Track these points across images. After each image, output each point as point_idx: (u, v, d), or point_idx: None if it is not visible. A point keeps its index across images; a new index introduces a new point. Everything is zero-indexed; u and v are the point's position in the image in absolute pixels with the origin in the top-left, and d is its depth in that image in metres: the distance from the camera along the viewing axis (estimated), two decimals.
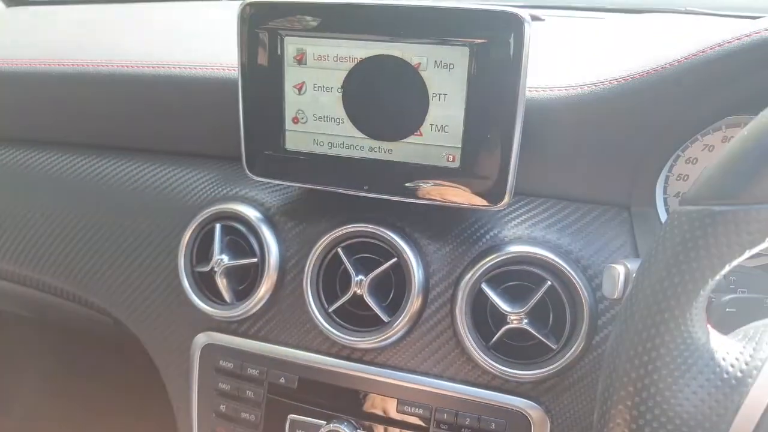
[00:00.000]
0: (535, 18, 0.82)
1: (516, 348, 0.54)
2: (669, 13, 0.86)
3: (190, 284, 0.61)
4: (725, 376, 0.30)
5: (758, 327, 0.33)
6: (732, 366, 0.31)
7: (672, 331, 0.30)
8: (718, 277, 0.30)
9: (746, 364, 0.31)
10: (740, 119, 0.53)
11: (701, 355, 0.31)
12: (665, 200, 0.56)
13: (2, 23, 0.97)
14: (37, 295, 0.75)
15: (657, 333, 0.30)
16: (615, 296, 0.41)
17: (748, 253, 0.29)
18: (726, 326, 0.36)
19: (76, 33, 0.82)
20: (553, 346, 0.52)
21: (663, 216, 0.56)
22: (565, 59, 0.63)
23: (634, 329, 0.31)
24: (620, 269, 0.41)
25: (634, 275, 0.39)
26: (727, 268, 0.30)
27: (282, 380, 0.58)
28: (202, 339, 0.62)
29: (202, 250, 0.62)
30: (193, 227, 0.61)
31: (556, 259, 0.52)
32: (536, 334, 0.52)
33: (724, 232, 0.29)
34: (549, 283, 0.52)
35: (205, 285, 0.62)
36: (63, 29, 0.87)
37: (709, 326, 0.32)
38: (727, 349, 0.31)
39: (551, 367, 0.52)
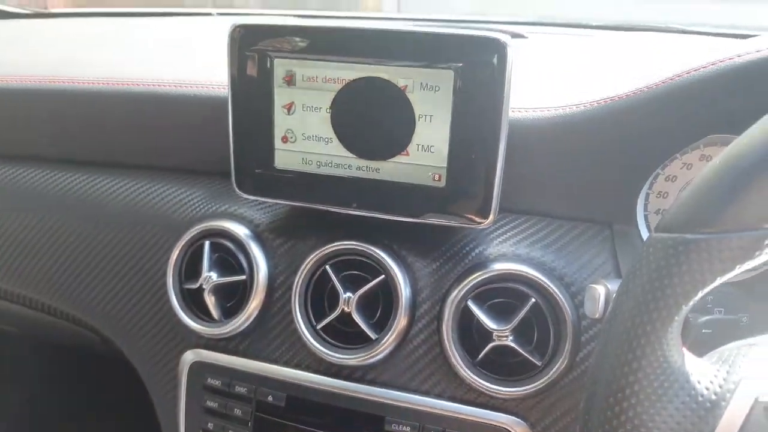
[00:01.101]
0: (517, 35, 0.84)
1: (502, 364, 0.54)
2: (649, 31, 0.88)
3: (178, 301, 0.61)
4: (700, 398, 0.31)
5: (732, 350, 0.34)
6: (707, 389, 0.32)
7: (648, 356, 0.31)
8: (691, 304, 0.31)
9: (720, 387, 0.32)
10: (717, 138, 0.54)
11: (677, 378, 0.32)
12: (646, 217, 0.58)
13: None
14: (23, 311, 0.75)
15: (634, 357, 0.31)
16: (596, 316, 0.42)
17: (719, 281, 0.30)
18: (702, 347, 0.37)
19: (65, 49, 0.82)
20: (538, 363, 0.53)
21: (644, 232, 0.58)
22: (546, 76, 0.64)
23: (612, 353, 0.32)
24: (601, 290, 0.42)
25: (613, 296, 0.40)
26: (700, 295, 0.31)
27: (270, 398, 0.59)
28: (189, 356, 0.62)
29: (190, 266, 0.62)
30: (182, 244, 0.61)
31: (540, 276, 0.53)
32: (521, 351, 0.52)
33: (697, 260, 0.30)
34: (533, 300, 0.53)
35: (194, 302, 0.62)
36: (51, 44, 0.87)
37: (684, 349, 0.33)
38: (702, 372, 0.32)
39: (536, 383, 0.53)
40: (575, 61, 0.72)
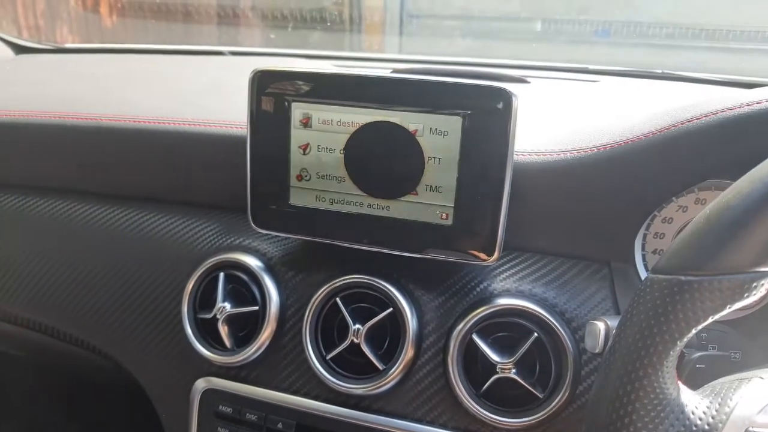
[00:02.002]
0: (519, 80, 0.88)
1: (505, 396, 0.56)
2: (653, 79, 0.92)
3: (192, 330, 0.63)
4: (694, 429, 0.34)
5: (724, 384, 0.37)
6: (700, 419, 0.34)
7: (645, 388, 0.34)
8: (686, 340, 0.34)
9: (712, 418, 0.34)
10: (711, 183, 0.57)
11: (672, 409, 0.34)
12: (643, 256, 0.60)
13: (11, 71, 1.01)
14: (36, 337, 0.77)
15: (632, 390, 0.34)
16: (596, 351, 0.44)
17: (711, 319, 0.33)
18: (696, 381, 0.40)
19: (86, 85, 0.86)
20: (540, 395, 0.55)
21: (642, 271, 0.60)
22: (548, 121, 0.67)
23: (611, 387, 0.35)
24: (601, 326, 0.44)
25: (613, 332, 0.43)
26: (693, 332, 0.33)
27: (280, 425, 0.60)
28: (202, 384, 0.64)
29: (204, 296, 0.64)
30: (197, 276, 0.64)
31: (542, 312, 0.56)
32: (523, 383, 0.54)
33: (690, 300, 0.33)
34: (535, 335, 0.55)
35: (207, 331, 0.64)
36: (72, 80, 0.90)
37: (679, 382, 0.36)
38: (696, 404, 0.35)
39: (538, 415, 0.55)
40: (576, 105, 0.76)
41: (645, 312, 0.34)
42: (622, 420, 0.34)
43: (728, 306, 0.33)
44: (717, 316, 0.33)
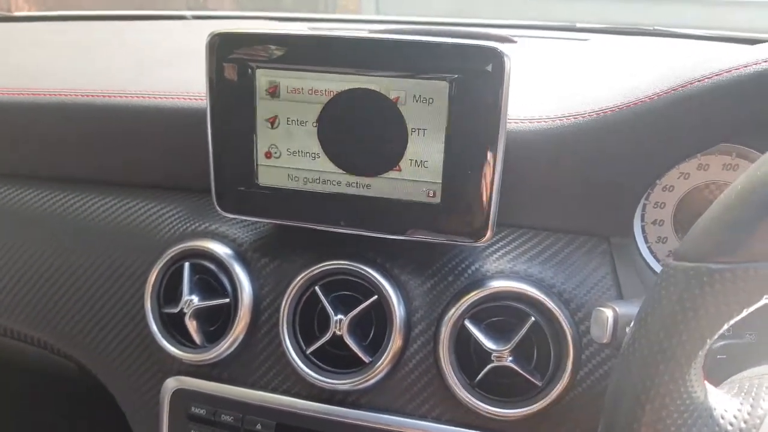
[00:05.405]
0: (506, 40, 0.82)
1: (501, 384, 0.53)
2: (646, 35, 0.87)
3: (158, 326, 0.58)
4: None
5: (752, 380, 0.33)
6: (731, 424, 0.30)
7: (672, 393, 0.29)
8: (716, 337, 0.29)
9: (745, 422, 0.30)
10: (715, 147, 0.53)
11: (700, 414, 0.30)
12: (643, 228, 0.57)
13: None
14: None
15: (657, 395, 0.30)
16: (604, 341, 0.40)
17: (745, 312, 0.29)
18: (718, 373, 0.36)
19: (33, 57, 0.79)
20: (538, 383, 0.51)
21: (641, 243, 0.56)
22: (538, 83, 0.63)
23: (631, 391, 0.30)
24: (608, 314, 0.40)
25: (622, 322, 0.39)
26: (725, 327, 0.29)
27: (258, 426, 0.56)
28: (171, 384, 0.59)
29: (170, 289, 0.59)
30: (160, 266, 0.59)
31: (539, 294, 0.51)
32: (521, 371, 0.51)
33: (722, 291, 0.28)
34: (533, 319, 0.51)
35: (174, 326, 0.59)
36: (18, 52, 0.83)
37: (706, 383, 0.31)
38: (725, 406, 0.31)
39: (537, 404, 0.51)
40: (568, 65, 0.71)
41: (670, 306, 0.29)
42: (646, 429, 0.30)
43: (765, 296, 0.28)
44: (752, 308, 0.29)
